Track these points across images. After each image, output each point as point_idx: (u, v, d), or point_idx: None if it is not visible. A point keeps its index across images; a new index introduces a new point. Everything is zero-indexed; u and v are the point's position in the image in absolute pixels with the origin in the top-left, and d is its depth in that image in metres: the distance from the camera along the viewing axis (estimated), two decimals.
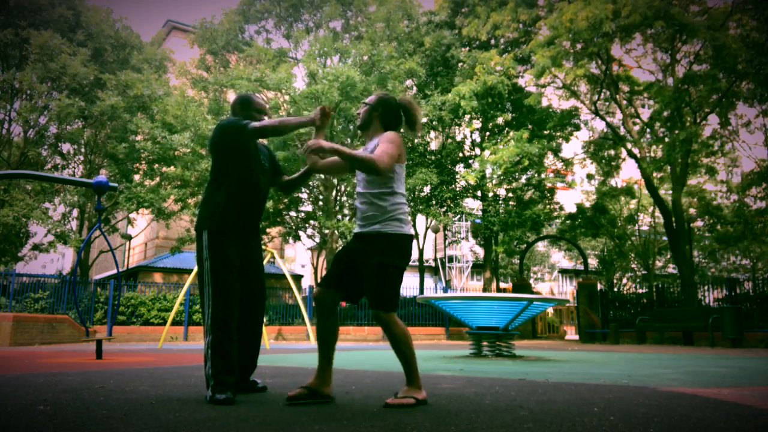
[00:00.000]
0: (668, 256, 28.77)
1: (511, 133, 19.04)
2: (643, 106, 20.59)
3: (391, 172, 2.69)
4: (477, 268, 35.02)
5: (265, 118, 3.15)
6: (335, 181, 19.20)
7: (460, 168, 20.96)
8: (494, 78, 17.77)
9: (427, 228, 22.83)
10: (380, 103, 2.89)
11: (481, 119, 20.93)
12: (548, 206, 20.72)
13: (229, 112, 19.45)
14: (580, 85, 19.96)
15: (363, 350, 9.83)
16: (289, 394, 2.63)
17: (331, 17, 19.98)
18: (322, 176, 19.69)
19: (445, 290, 24.73)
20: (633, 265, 28.98)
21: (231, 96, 19.93)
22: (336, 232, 18.80)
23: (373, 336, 17.71)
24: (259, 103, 3.18)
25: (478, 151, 21.37)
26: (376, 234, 2.68)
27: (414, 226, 22.38)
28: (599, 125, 22.20)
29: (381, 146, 2.66)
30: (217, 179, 3.02)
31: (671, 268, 30.52)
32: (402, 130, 2.94)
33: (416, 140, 20.83)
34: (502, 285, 32.16)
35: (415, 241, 22.82)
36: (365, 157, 2.62)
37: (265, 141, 3.20)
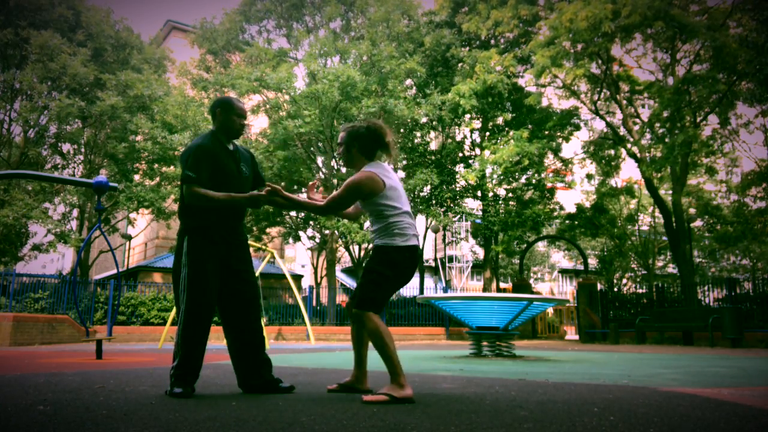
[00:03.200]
0: (668, 256, 28.78)
1: (511, 133, 19.04)
2: (643, 106, 20.60)
3: (373, 205, 2.90)
4: (477, 268, 35.03)
5: (244, 122, 3.17)
6: (335, 182, 19.20)
7: (460, 168, 20.96)
8: (494, 77, 17.77)
9: (427, 228, 22.83)
10: (352, 137, 3.01)
11: (480, 119, 20.93)
12: (548, 206, 20.72)
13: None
14: (580, 85, 19.96)
15: None
16: (327, 387, 3.08)
17: (332, 17, 19.98)
18: (321, 175, 19.68)
19: (445, 290, 24.73)
20: (633, 265, 28.97)
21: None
22: (336, 232, 18.80)
23: None
24: (240, 108, 3.14)
25: (478, 151, 21.38)
26: (373, 247, 2.96)
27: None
28: (599, 125, 22.21)
29: (335, 192, 2.95)
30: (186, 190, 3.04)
31: (671, 268, 30.52)
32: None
33: (416, 140, 20.85)
34: (502, 285, 32.17)
35: None
36: (312, 206, 3.03)
37: (238, 144, 3.25)
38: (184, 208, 3.06)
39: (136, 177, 19.17)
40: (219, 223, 3.05)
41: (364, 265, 2.98)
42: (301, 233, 21.98)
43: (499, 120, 20.58)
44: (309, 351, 9.51)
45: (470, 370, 4.80)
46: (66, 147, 19.97)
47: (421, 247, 22.49)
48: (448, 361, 6.06)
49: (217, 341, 16.59)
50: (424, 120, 19.74)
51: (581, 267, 30.93)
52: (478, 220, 21.57)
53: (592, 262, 29.59)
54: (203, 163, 2.97)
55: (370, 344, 2.88)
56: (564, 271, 40.65)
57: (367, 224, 19.95)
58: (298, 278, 27.44)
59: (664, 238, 22.75)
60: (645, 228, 27.35)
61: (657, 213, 24.81)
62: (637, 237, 26.13)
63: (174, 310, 11.80)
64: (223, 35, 20.55)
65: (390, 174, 2.96)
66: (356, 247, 22.65)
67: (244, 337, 3.07)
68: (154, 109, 18.09)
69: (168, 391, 2.87)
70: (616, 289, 26.66)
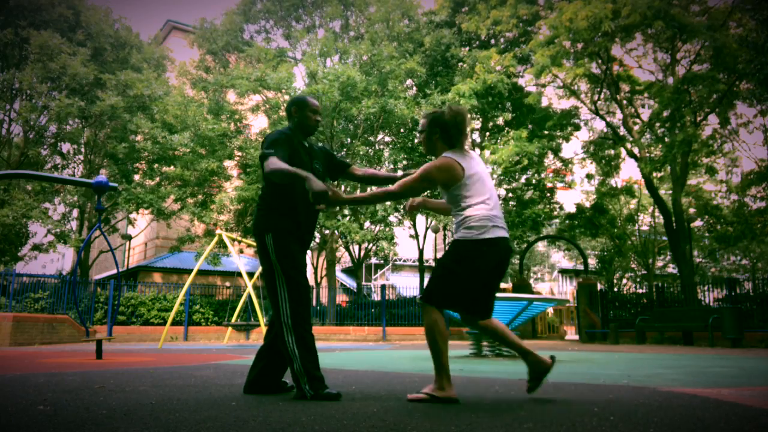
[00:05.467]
0: (668, 256, 28.77)
1: (511, 133, 19.03)
2: (643, 106, 20.57)
3: (450, 193, 2.84)
4: None
5: (319, 118, 3.23)
6: (335, 182, 19.19)
7: None
8: (494, 77, 17.76)
9: (427, 228, 22.82)
10: (433, 124, 2.95)
11: (481, 119, 20.92)
12: (548, 206, 20.72)
13: (228, 111, 19.52)
14: (580, 85, 19.95)
15: (363, 350, 9.83)
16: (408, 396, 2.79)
17: (332, 17, 19.98)
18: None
19: None
20: (633, 265, 28.97)
21: (231, 96, 19.93)
22: (336, 232, 18.80)
23: (373, 336, 17.71)
24: (314, 104, 3.20)
25: (478, 151, 21.37)
26: (452, 241, 2.88)
27: (414, 226, 22.38)
28: (599, 125, 22.24)
29: (411, 176, 2.86)
30: (271, 186, 3.05)
31: (671, 268, 30.51)
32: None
33: (416, 140, 20.82)
34: (502, 285, 32.14)
35: (414, 241, 22.94)
36: (380, 194, 2.93)
37: (312, 140, 3.27)
38: (270, 204, 3.05)
39: (136, 177, 19.17)
40: (304, 218, 3.06)
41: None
42: None
43: (499, 120, 20.58)
44: None
45: (470, 370, 4.80)
46: (66, 147, 19.97)
47: (421, 247, 22.61)
48: (449, 361, 6.05)
49: (217, 341, 16.57)
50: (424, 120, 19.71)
51: (581, 267, 30.92)
52: None
53: (592, 262, 29.58)
54: (283, 145, 2.99)
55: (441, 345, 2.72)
56: (564, 271, 40.65)
57: (367, 224, 19.95)
58: None
59: (664, 238, 22.73)
60: (645, 228, 27.34)
61: (657, 213, 24.81)
62: (637, 237, 26.13)
63: (174, 310, 11.80)
64: (223, 36, 20.55)
65: (474, 161, 2.86)
66: (356, 247, 22.65)
67: (277, 338, 3.07)
68: (153, 109, 18.09)
69: (311, 395, 2.78)
70: (616, 289, 26.65)
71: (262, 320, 11.56)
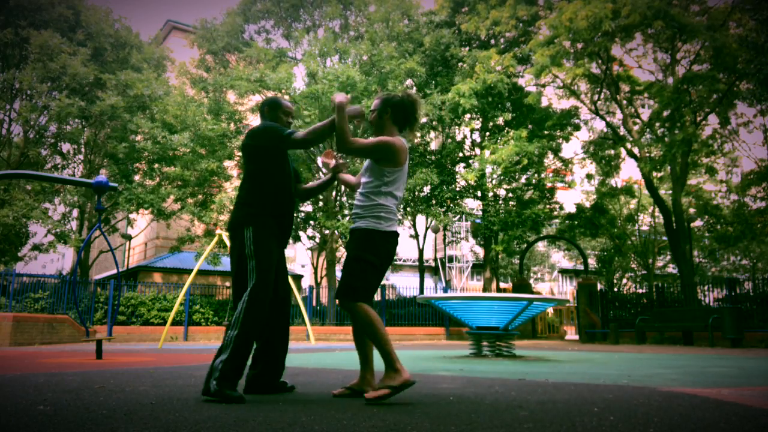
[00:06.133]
0: (668, 256, 28.77)
1: (511, 133, 19.03)
2: (643, 106, 20.58)
3: (381, 175, 2.84)
4: (477, 268, 35.04)
5: (291, 120, 3.24)
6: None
7: (460, 168, 20.96)
8: (494, 77, 17.76)
9: (427, 228, 22.83)
10: (386, 104, 2.96)
11: (480, 119, 20.92)
12: (548, 206, 20.72)
13: (228, 111, 19.52)
14: (580, 85, 19.96)
15: None
16: (333, 392, 2.95)
17: (331, 17, 19.98)
18: (321, 176, 19.70)
19: (445, 290, 24.73)
20: (633, 265, 28.97)
21: (231, 96, 19.93)
22: (336, 232, 18.80)
23: None
24: (287, 105, 3.23)
25: (478, 151, 21.37)
26: (354, 230, 2.88)
27: (414, 226, 22.38)
28: (599, 125, 22.20)
29: (365, 140, 2.88)
30: (253, 180, 3.04)
31: (671, 268, 30.52)
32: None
33: (416, 140, 20.82)
34: (502, 285, 32.16)
35: (414, 241, 22.94)
36: (341, 134, 2.81)
37: None
38: (247, 196, 3.04)
39: (136, 177, 19.17)
40: (284, 212, 3.05)
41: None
42: (301, 233, 21.97)
43: (499, 120, 20.57)
44: (309, 351, 9.51)
45: (470, 370, 4.80)
46: (66, 147, 19.96)
47: (421, 247, 22.61)
48: (448, 361, 6.06)
49: (216, 341, 16.56)
50: (424, 120, 19.74)
51: (581, 267, 30.92)
52: (478, 220, 21.56)
53: (592, 262, 29.59)
54: (281, 127, 3.04)
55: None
56: (564, 271, 40.65)
57: None
58: (298, 278, 27.46)
59: (664, 238, 22.74)
60: (645, 228, 27.34)
61: (657, 213, 24.81)
62: (637, 237, 26.13)
63: (174, 310, 11.80)
64: (223, 36, 20.55)
65: (407, 156, 2.95)
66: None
67: (273, 336, 3.06)
68: (153, 109, 18.09)
69: (214, 388, 2.64)
70: (616, 289, 26.66)
71: None
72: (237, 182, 20.39)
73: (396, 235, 2.88)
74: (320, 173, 19.81)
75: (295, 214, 3.37)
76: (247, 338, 2.78)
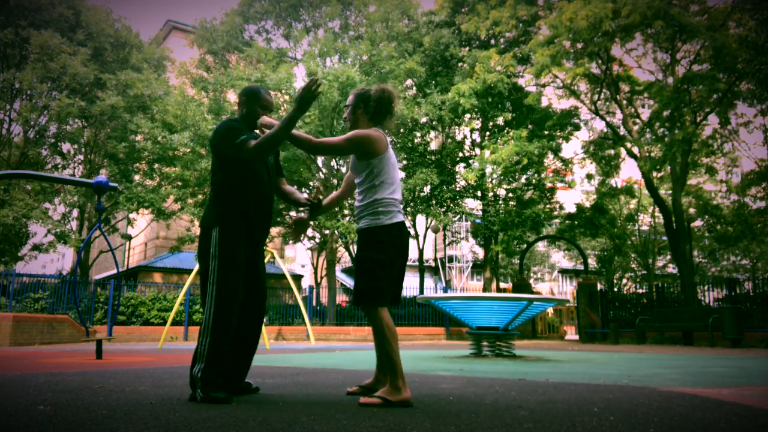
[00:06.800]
0: (668, 256, 28.76)
1: (511, 133, 19.04)
2: (643, 106, 20.58)
3: (368, 169, 2.81)
4: (477, 268, 35.03)
5: (268, 114, 3.08)
6: (335, 182, 19.19)
7: (460, 168, 20.96)
8: (494, 76, 17.76)
9: (427, 228, 22.82)
10: (360, 98, 2.96)
11: (480, 119, 20.92)
12: (548, 206, 20.72)
13: (228, 112, 19.52)
14: (580, 85, 19.96)
15: (363, 350, 9.83)
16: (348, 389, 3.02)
17: (331, 17, 19.98)
18: (321, 175, 19.68)
19: (445, 290, 24.73)
20: (633, 265, 28.97)
21: (231, 96, 19.92)
22: (336, 232, 18.80)
23: None
24: (266, 99, 3.08)
25: (478, 151, 21.37)
26: (357, 231, 2.87)
27: (414, 226, 22.37)
28: (599, 125, 22.22)
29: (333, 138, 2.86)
30: (222, 178, 2.96)
31: (671, 268, 30.51)
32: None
33: (416, 140, 20.84)
34: (502, 285, 32.16)
35: (414, 241, 22.94)
36: (306, 142, 2.82)
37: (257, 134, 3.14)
38: (216, 195, 2.95)
39: (136, 177, 19.17)
40: (246, 218, 2.92)
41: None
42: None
43: (499, 120, 20.57)
44: (309, 351, 9.52)
45: (470, 370, 4.80)
46: (66, 147, 19.96)
47: (421, 247, 22.62)
48: (448, 361, 6.06)
49: None
50: (424, 120, 19.74)
51: (581, 267, 30.93)
52: (478, 220, 21.56)
53: (592, 262, 29.59)
54: (244, 131, 2.90)
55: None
56: (564, 271, 40.65)
57: None
58: (298, 278, 27.45)
59: (664, 238, 22.74)
60: (645, 228, 27.34)
61: (657, 213, 24.81)
62: (637, 237, 26.12)
63: (174, 310, 11.79)
64: (223, 36, 20.55)
65: (390, 145, 2.92)
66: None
67: (243, 337, 2.97)
68: (153, 109, 18.09)
69: (201, 397, 2.63)
70: (616, 289, 26.67)
71: (264, 319, 11.56)
72: None
73: (401, 225, 2.82)
74: (320, 172, 19.81)
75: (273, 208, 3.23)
76: (218, 344, 2.74)
